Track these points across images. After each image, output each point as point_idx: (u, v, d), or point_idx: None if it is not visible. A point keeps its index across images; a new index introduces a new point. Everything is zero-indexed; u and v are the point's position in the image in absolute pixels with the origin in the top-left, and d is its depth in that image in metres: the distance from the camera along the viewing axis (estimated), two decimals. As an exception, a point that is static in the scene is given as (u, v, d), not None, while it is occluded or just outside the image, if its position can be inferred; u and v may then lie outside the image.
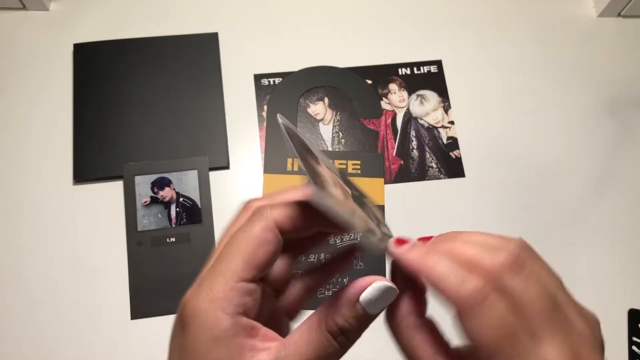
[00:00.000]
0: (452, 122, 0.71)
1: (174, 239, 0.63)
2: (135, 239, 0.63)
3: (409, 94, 0.72)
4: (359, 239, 0.29)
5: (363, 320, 0.27)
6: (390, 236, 0.30)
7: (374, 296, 0.27)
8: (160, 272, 0.62)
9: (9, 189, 0.65)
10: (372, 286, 0.27)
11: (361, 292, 0.27)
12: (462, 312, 0.24)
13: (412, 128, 0.70)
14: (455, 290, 0.24)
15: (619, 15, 0.77)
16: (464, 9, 0.77)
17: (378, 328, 0.29)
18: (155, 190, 0.65)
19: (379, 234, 0.29)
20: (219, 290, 0.27)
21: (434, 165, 0.68)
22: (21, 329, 0.60)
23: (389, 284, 0.27)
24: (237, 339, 0.26)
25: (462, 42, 0.75)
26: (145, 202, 0.64)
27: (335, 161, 0.67)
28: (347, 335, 0.27)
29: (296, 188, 0.29)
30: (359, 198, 0.33)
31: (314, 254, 0.31)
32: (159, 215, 0.64)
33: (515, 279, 0.24)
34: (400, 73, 0.72)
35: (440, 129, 0.70)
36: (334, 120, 0.70)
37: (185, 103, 0.69)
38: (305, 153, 0.29)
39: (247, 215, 0.28)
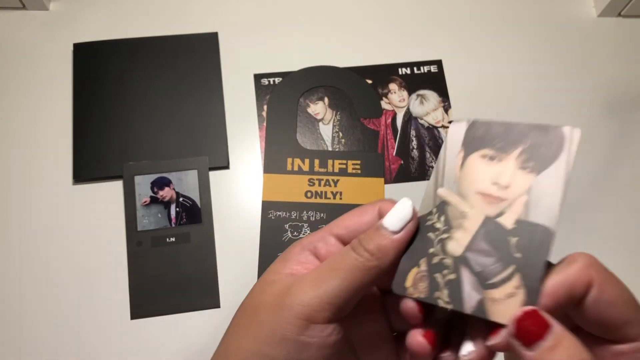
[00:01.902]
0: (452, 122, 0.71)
1: (173, 239, 0.63)
2: (135, 238, 0.63)
3: (409, 94, 0.72)
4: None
5: (378, 234, 0.29)
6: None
7: (390, 213, 0.30)
8: (160, 272, 0.62)
9: (8, 188, 0.65)
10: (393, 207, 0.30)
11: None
12: None
13: (412, 128, 0.70)
14: None
15: (619, 15, 0.77)
16: (464, 9, 0.77)
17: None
18: (155, 190, 0.64)
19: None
20: (310, 235, 0.33)
21: (435, 165, 0.68)
22: (20, 329, 0.59)
23: (404, 199, 0.30)
24: (297, 262, 0.31)
25: (462, 42, 0.75)
26: (145, 202, 0.64)
27: (336, 161, 0.67)
28: (365, 246, 0.29)
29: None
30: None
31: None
32: (159, 215, 0.64)
33: None
34: (400, 73, 0.72)
35: (440, 129, 0.70)
36: (334, 120, 0.70)
37: (185, 103, 0.69)
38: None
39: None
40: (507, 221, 0.28)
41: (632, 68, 0.74)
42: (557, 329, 0.24)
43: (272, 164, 0.67)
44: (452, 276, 0.29)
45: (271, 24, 0.74)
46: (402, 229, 0.29)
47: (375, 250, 0.29)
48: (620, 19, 0.77)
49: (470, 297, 0.28)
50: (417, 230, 0.30)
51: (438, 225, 0.30)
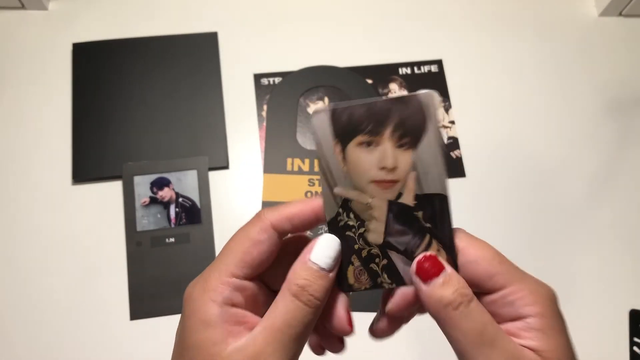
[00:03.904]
0: (452, 122, 0.70)
1: (173, 239, 0.63)
2: (135, 239, 0.63)
3: (409, 94, 0.71)
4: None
5: (319, 276, 0.30)
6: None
7: (318, 249, 0.30)
8: (160, 272, 0.62)
9: (8, 189, 0.65)
10: (315, 243, 0.31)
11: (310, 252, 0.30)
12: None
13: (412, 128, 0.70)
14: None
15: (620, 14, 0.77)
16: (464, 9, 0.76)
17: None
18: (155, 190, 0.64)
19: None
20: (211, 283, 0.30)
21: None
22: (20, 329, 0.59)
23: (326, 235, 0.31)
24: (224, 325, 0.29)
25: (462, 41, 0.74)
26: (145, 202, 0.64)
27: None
28: (310, 291, 0.29)
29: (301, 200, 0.33)
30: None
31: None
32: (158, 216, 0.63)
33: None
34: (400, 72, 0.72)
35: (441, 129, 0.70)
36: (334, 120, 0.70)
37: (185, 103, 0.69)
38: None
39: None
40: (408, 199, 0.31)
41: (632, 68, 0.74)
42: (449, 270, 0.30)
43: (272, 164, 0.67)
44: (384, 261, 0.32)
45: (271, 24, 0.74)
46: (336, 264, 0.31)
47: (322, 295, 0.30)
48: (621, 19, 0.77)
49: (405, 273, 0.32)
50: (336, 233, 0.32)
51: (351, 222, 0.32)
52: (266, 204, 0.65)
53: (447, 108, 0.71)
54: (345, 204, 0.32)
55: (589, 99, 0.72)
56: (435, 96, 0.30)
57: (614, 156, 0.70)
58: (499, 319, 0.30)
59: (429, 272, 0.30)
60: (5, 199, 0.64)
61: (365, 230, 0.32)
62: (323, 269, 0.30)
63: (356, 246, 0.32)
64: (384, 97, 0.31)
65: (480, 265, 0.30)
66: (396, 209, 0.31)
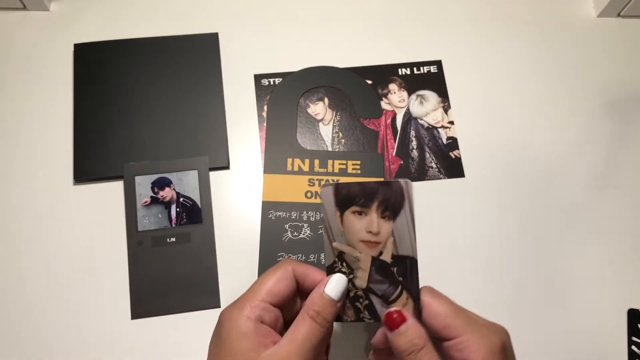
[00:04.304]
0: (451, 122, 0.71)
1: (174, 239, 0.63)
2: (136, 238, 0.63)
3: (409, 94, 0.72)
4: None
5: (330, 304, 0.40)
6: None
7: (331, 284, 0.41)
8: (161, 271, 0.62)
9: (9, 189, 0.65)
10: (329, 279, 0.41)
11: (324, 286, 0.41)
12: None
13: (411, 128, 0.70)
14: None
15: (618, 15, 0.77)
16: (463, 9, 0.77)
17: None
18: (156, 190, 0.65)
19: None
20: (246, 305, 0.39)
21: (434, 165, 0.69)
22: (20, 329, 0.60)
23: (338, 274, 0.42)
24: (257, 337, 0.38)
25: (461, 42, 0.75)
26: (146, 202, 0.64)
27: (336, 161, 0.67)
28: (323, 315, 0.39)
29: (317, 268, 0.44)
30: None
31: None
32: (159, 215, 0.64)
33: None
34: (400, 73, 0.73)
35: (440, 129, 0.70)
36: (334, 120, 0.70)
37: (186, 103, 0.69)
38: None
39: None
40: (386, 257, 0.41)
41: (631, 68, 0.74)
42: (410, 322, 0.39)
43: (272, 164, 0.67)
44: (366, 302, 0.41)
45: (271, 24, 0.74)
46: (342, 297, 0.42)
47: (332, 318, 0.40)
48: (619, 19, 0.77)
49: (381, 312, 0.41)
50: None
51: (343, 270, 0.42)
52: (266, 204, 0.65)
53: (447, 108, 0.71)
54: (340, 256, 0.42)
55: (587, 99, 0.73)
56: (409, 183, 0.39)
57: (614, 156, 0.70)
58: None
59: (394, 323, 0.39)
60: (6, 200, 0.65)
61: (353, 277, 0.41)
62: (333, 300, 0.40)
63: None
64: (373, 180, 0.45)
65: (439, 318, 0.39)
66: (377, 264, 0.40)
